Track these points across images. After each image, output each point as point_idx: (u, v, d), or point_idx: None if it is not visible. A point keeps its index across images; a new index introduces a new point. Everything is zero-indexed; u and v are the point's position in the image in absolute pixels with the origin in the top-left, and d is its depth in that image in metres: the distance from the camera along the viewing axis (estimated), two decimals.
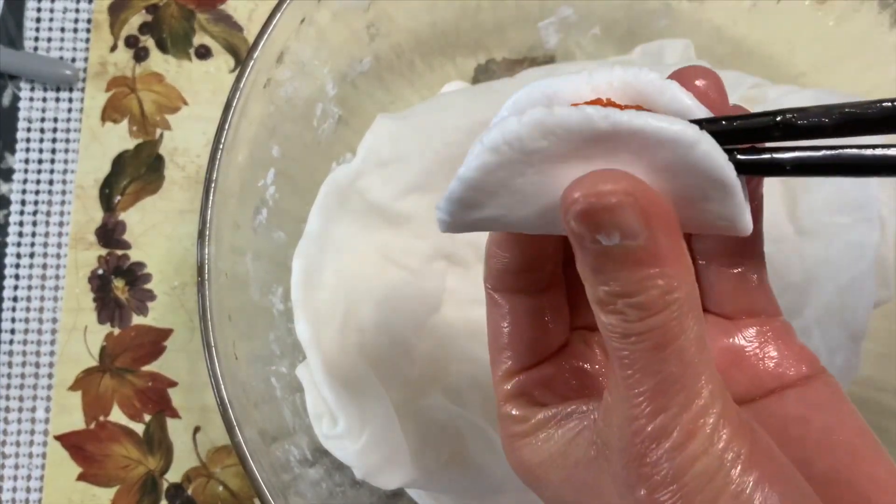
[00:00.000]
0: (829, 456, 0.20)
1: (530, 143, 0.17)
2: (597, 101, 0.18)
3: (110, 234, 0.43)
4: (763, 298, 0.22)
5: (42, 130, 0.45)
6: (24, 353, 0.43)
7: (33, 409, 0.42)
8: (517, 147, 0.17)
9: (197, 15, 0.45)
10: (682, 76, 0.19)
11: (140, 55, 0.45)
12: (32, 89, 0.45)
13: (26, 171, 0.44)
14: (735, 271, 0.22)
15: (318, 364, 0.33)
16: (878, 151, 0.17)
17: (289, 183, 0.37)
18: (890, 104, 0.17)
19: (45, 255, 0.44)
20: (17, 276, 0.43)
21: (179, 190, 0.44)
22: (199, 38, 0.45)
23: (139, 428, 0.42)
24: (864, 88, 0.37)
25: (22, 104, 0.45)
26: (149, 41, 0.45)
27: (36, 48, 0.45)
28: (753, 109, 0.36)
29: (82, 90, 0.45)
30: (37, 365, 0.43)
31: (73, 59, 0.45)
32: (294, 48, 0.35)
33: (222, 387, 0.31)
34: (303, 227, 0.35)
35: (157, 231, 0.44)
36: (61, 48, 0.45)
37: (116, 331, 0.43)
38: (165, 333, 0.43)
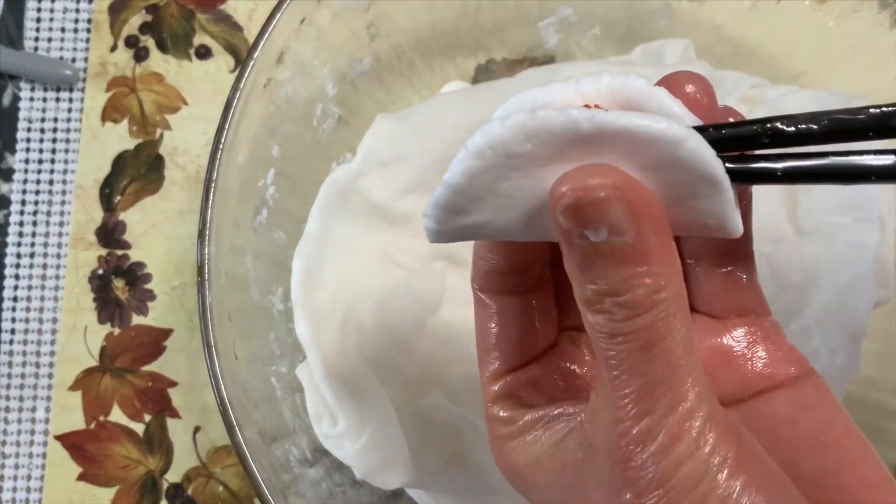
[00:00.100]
0: (818, 457, 0.19)
1: (514, 147, 0.17)
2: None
3: (110, 234, 0.43)
4: (752, 298, 0.22)
5: (42, 130, 0.45)
6: (24, 353, 0.43)
7: (33, 409, 0.42)
8: (501, 151, 0.17)
9: (197, 15, 0.45)
10: (672, 82, 0.19)
11: (140, 55, 0.45)
12: (32, 89, 0.45)
13: (26, 171, 0.44)
14: (724, 270, 0.22)
15: (318, 364, 0.33)
16: (868, 159, 0.17)
17: (289, 183, 0.37)
18: (878, 110, 0.17)
19: (45, 255, 0.44)
20: (17, 276, 0.43)
21: (179, 190, 0.44)
22: (199, 38, 0.45)
23: (139, 428, 0.42)
24: (864, 88, 0.37)
25: (22, 104, 0.45)
26: (149, 41, 0.45)
27: (36, 48, 0.45)
28: (754, 109, 0.36)
29: (82, 90, 0.45)
30: (37, 365, 0.43)
31: (73, 59, 0.45)
32: (294, 48, 0.35)
33: (222, 387, 0.31)
34: (303, 227, 0.35)
35: (157, 231, 0.44)
36: (61, 48, 0.45)
37: (116, 331, 0.43)
38: (165, 333, 0.43)
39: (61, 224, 0.44)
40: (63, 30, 0.46)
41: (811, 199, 0.33)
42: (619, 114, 0.17)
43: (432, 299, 0.34)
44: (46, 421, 0.42)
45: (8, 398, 0.42)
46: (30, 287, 0.43)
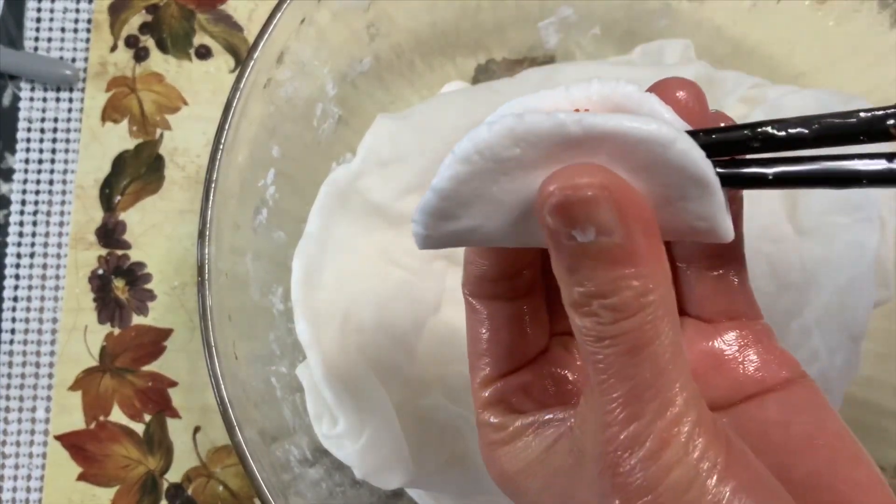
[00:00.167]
0: (810, 460, 0.19)
1: (502, 152, 0.17)
2: None
3: (110, 234, 0.43)
4: (743, 301, 0.22)
5: (42, 130, 0.45)
6: (24, 353, 0.43)
7: (33, 409, 0.42)
8: (489, 156, 0.17)
9: (197, 15, 0.45)
10: (663, 88, 0.19)
11: (140, 55, 0.45)
12: (32, 89, 0.45)
13: (26, 171, 0.44)
14: (715, 274, 0.22)
15: (318, 364, 0.33)
16: (860, 163, 0.17)
17: (289, 183, 0.37)
18: (869, 114, 0.17)
19: (45, 255, 0.44)
20: (17, 276, 0.43)
21: (179, 190, 0.44)
22: (199, 38, 0.45)
23: (139, 428, 0.42)
24: (864, 88, 0.37)
25: (22, 104, 0.45)
26: (149, 41, 0.45)
27: (36, 48, 0.45)
28: (754, 109, 0.36)
29: (82, 90, 0.45)
30: (37, 365, 0.43)
31: (73, 59, 0.45)
32: (294, 48, 0.35)
33: (222, 387, 0.31)
34: (303, 227, 0.35)
35: (157, 231, 0.44)
36: (61, 48, 0.45)
37: (116, 331, 0.43)
38: (165, 333, 0.43)
39: (61, 224, 0.44)
40: (63, 30, 0.46)
41: (811, 199, 0.33)
42: (607, 116, 0.17)
43: (432, 299, 0.34)
44: (46, 421, 0.42)
45: (8, 398, 0.42)
46: (30, 287, 0.43)
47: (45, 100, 0.45)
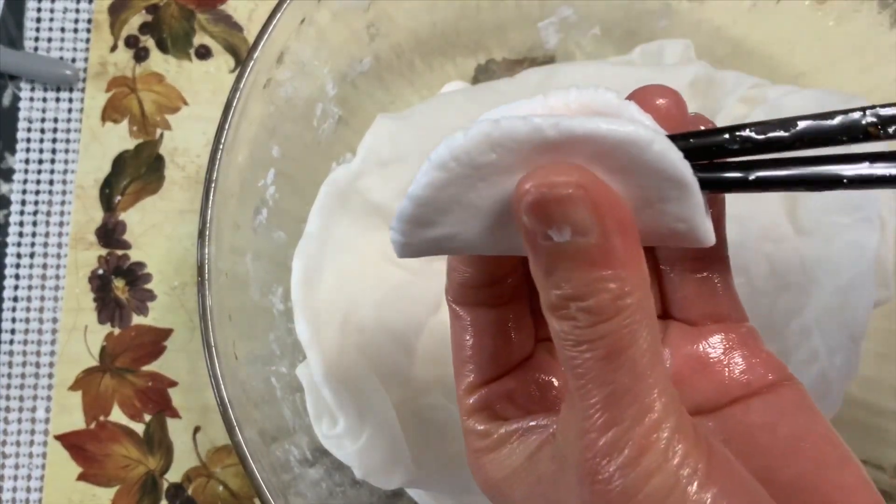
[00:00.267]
0: (796, 463, 0.19)
1: (478, 157, 0.17)
2: None
3: (110, 234, 0.43)
4: (728, 304, 0.22)
5: (42, 130, 0.45)
6: (24, 353, 0.43)
7: (33, 409, 0.42)
8: (465, 162, 0.17)
9: (197, 15, 0.45)
10: (642, 96, 0.19)
11: (140, 55, 0.45)
12: (32, 89, 0.45)
13: (26, 171, 0.44)
14: (699, 276, 0.21)
15: (318, 364, 0.33)
16: (843, 168, 0.17)
17: (289, 183, 0.37)
18: (847, 115, 0.17)
19: (45, 255, 0.44)
20: (17, 276, 0.43)
21: (179, 190, 0.44)
22: (199, 38, 0.45)
23: (139, 428, 0.42)
24: (864, 88, 0.37)
25: (22, 104, 0.45)
26: (149, 41, 0.45)
27: (36, 48, 0.45)
28: (754, 109, 0.36)
29: (82, 90, 0.45)
30: (37, 365, 0.43)
31: (74, 59, 0.45)
32: (294, 48, 0.35)
33: (222, 387, 0.31)
34: (303, 227, 0.35)
35: (157, 231, 0.44)
36: (61, 48, 0.45)
37: (116, 331, 0.43)
38: (165, 333, 0.43)
39: (61, 224, 0.44)
40: (63, 30, 0.46)
41: (811, 199, 0.33)
42: (583, 119, 0.17)
43: (432, 299, 0.34)
44: (46, 421, 0.42)
45: (8, 398, 0.42)
46: (30, 287, 0.43)
47: (45, 100, 0.45)
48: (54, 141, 0.44)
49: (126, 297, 0.43)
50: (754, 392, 0.21)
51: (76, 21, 0.46)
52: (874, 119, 0.16)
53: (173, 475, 0.42)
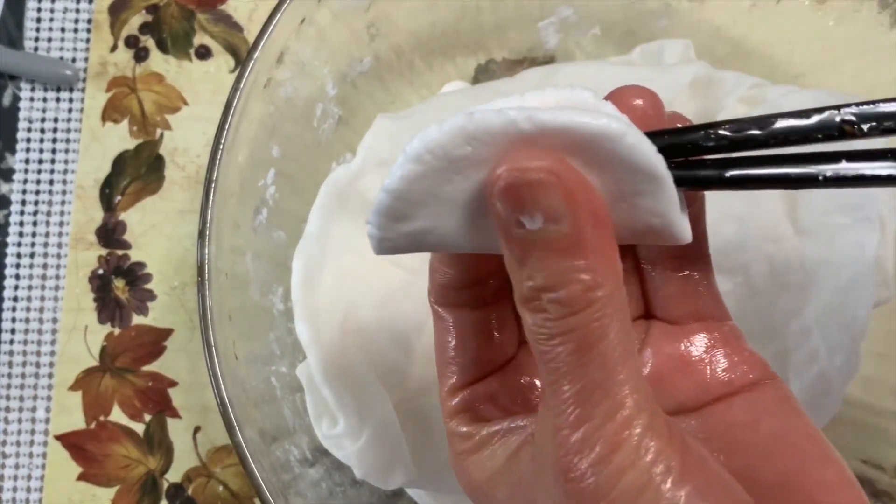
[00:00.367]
0: (778, 461, 0.19)
1: (453, 150, 0.17)
2: None
3: (110, 234, 0.43)
4: (710, 302, 0.22)
5: (42, 130, 0.45)
6: (25, 353, 0.43)
7: (33, 409, 0.42)
8: (440, 155, 0.17)
9: (197, 15, 0.45)
10: (619, 96, 0.19)
11: (140, 55, 0.45)
12: (33, 89, 0.45)
13: (26, 171, 0.44)
14: (680, 275, 0.21)
15: (318, 364, 0.33)
16: (817, 165, 0.17)
17: (289, 183, 0.37)
18: (822, 113, 0.17)
19: (45, 255, 0.44)
20: (17, 276, 0.43)
21: (179, 190, 0.44)
22: (200, 38, 0.45)
23: (139, 428, 0.42)
24: (864, 88, 0.37)
25: (22, 104, 0.45)
26: (149, 41, 0.45)
27: (36, 48, 0.45)
28: (754, 109, 0.36)
29: (82, 90, 0.45)
30: (37, 365, 0.43)
31: (74, 59, 0.45)
32: (294, 48, 0.35)
33: (222, 387, 0.31)
34: (303, 227, 0.35)
35: (157, 231, 0.44)
36: (61, 48, 0.45)
37: (117, 331, 0.43)
38: (165, 333, 0.43)
39: (61, 224, 0.44)
40: (63, 30, 0.46)
41: (811, 198, 0.33)
42: (557, 111, 0.17)
43: None
44: (46, 421, 0.42)
45: (8, 398, 0.42)
46: (30, 287, 0.43)
47: (45, 100, 0.45)
48: (54, 141, 0.44)
49: (126, 297, 0.43)
50: (736, 391, 0.20)
51: (76, 21, 0.46)
52: (850, 118, 0.16)
53: (173, 475, 0.42)
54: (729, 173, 0.18)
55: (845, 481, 0.19)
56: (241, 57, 0.45)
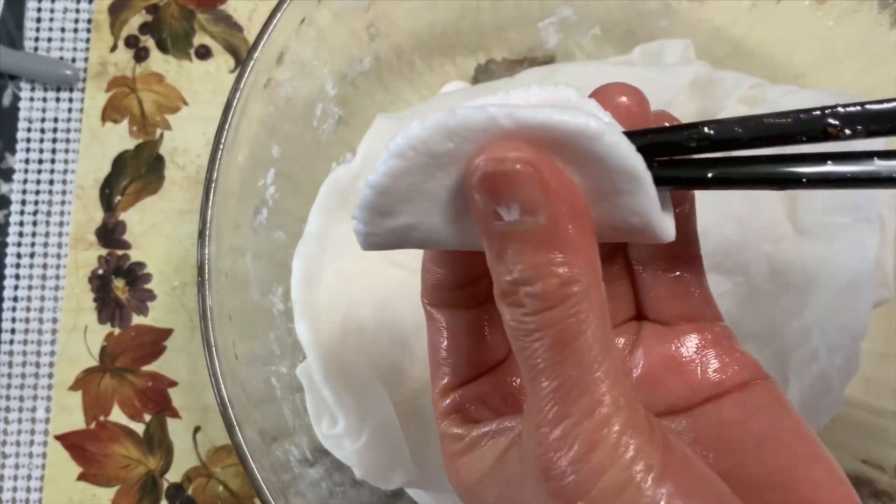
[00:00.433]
0: (767, 459, 0.19)
1: (435, 146, 0.17)
2: None
3: (110, 234, 0.43)
4: (702, 303, 0.22)
5: (42, 130, 0.45)
6: (24, 353, 0.43)
7: (33, 409, 0.42)
8: (423, 150, 0.17)
9: (197, 15, 0.45)
10: (604, 94, 0.19)
11: (140, 55, 0.45)
12: (33, 89, 0.45)
13: (26, 171, 0.44)
14: (671, 276, 0.21)
15: (318, 364, 0.33)
16: (801, 165, 0.17)
17: (289, 183, 0.37)
18: (808, 114, 0.16)
19: (45, 255, 0.44)
20: (17, 276, 0.43)
21: (179, 190, 0.44)
22: (200, 38, 0.45)
23: (139, 428, 0.42)
24: (864, 88, 0.37)
25: (22, 104, 0.45)
26: (149, 41, 0.45)
27: (36, 48, 0.45)
28: (754, 109, 0.36)
29: (82, 90, 0.45)
30: (37, 365, 0.43)
31: (74, 59, 0.45)
32: (294, 48, 0.35)
33: (222, 387, 0.31)
34: (303, 227, 0.35)
35: (157, 231, 0.44)
36: (61, 48, 0.45)
37: (116, 331, 0.43)
38: (165, 333, 0.43)
39: (61, 224, 0.44)
40: (63, 30, 0.46)
41: (811, 198, 0.33)
42: (537, 109, 0.17)
43: None
44: (46, 421, 0.42)
45: (8, 398, 0.42)
46: (30, 287, 0.43)
47: (45, 100, 0.45)
48: (54, 141, 0.44)
49: (126, 297, 0.43)
50: (727, 391, 0.20)
51: (76, 21, 0.46)
52: (834, 120, 0.16)
53: (173, 475, 0.42)
54: (711, 173, 0.18)
55: (835, 479, 0.19)
56: (241, 57, 0.45)
